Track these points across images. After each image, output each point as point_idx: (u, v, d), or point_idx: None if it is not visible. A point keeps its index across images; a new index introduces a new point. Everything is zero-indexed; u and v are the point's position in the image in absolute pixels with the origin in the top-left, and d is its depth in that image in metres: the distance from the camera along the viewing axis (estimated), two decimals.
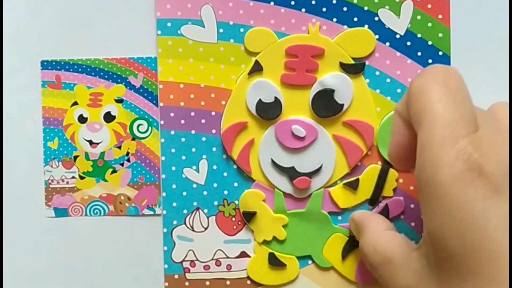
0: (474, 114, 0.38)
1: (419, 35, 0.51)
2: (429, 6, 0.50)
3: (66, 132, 0.53)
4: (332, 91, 0.50)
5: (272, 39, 0.50)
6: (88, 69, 0.52)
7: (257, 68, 0.50)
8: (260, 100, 0.50)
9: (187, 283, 0.52)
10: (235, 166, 0.51)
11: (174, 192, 0.52)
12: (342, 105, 0.50)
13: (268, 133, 0.51)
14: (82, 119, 0.53)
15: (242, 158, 0.51)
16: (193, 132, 0.51)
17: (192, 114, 0.51)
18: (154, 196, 0.53)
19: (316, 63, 0.50)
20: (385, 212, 0.51)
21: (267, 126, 0.51)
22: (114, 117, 0.53)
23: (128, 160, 0.53)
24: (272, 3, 0.50)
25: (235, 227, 0.52)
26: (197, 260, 0.52)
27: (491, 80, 0.51)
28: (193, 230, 0.52)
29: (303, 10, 0.50)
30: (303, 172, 0.51)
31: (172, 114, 0.51)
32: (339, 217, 0.52)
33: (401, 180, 0.51)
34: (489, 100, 0.51)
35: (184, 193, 0.52)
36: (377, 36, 0.51)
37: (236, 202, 0.52)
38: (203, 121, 0.51)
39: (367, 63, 0.51)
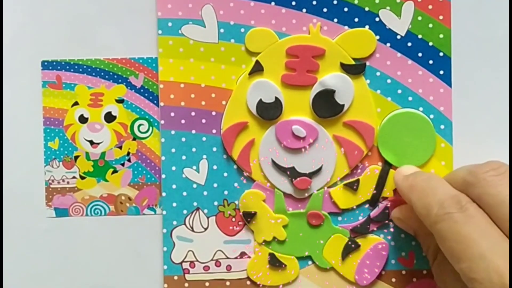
0: None
1: (420, 36, 0.51)
2: (430, 7, 0.50)
3: (67, 132, 0.53)
4: (333, 91, 0.50)
5: (272, 39, 0.50)
6: (89, 69, 0.52)
7: (257, 68, 0.50)
8: (260, 100, 0.50)
9: (186, 284, 0.52)
10: (235, 166, 0.51)
11: (174, 192, 0.52)
12: (343, 105, 0.50)
13: (268, 133, 0.51)
14: (82, 119, 0.53)
15: (242, 158, 0.51)
16: (193, 132, 0.51)
17: (193, 114, 0.51)
18: (154, 196, 0.53)
19: (316, 63, 0.50)
20: (385, 213, 0.51)
21: (268, 126, 0.51)
22: (114, 117, 0.53)
23: (129, 160, 0.53)
24: (273, 3, 0.50)
25: (235, 227, 0.52)
26: (197, 260, 0.52)
27: (492, 80, 0.51)
28: (193, 230, 0.52)
29: (304, 10, 0.50)
30: (303, 172, 0.51)
31: (172, 114, 0.51)
32: (339, 218, 0.52)
33: None
34: (490, 101, 0.51)
35: (184, 193, 0.52)
36: (377, 37, 0.51)
37: (236, 202, 0.52)
38: (203, 121, 0.51)
39: (367, 63, 0.51)
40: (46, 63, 0.52)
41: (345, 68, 0.50)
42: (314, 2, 0.50)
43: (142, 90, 0.52)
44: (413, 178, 0.47)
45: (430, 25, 0.50)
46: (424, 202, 0.45)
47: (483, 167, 0.44)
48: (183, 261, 0.52)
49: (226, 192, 0.51)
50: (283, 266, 0.52)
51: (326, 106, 0.50)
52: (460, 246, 0.41)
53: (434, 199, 0.44)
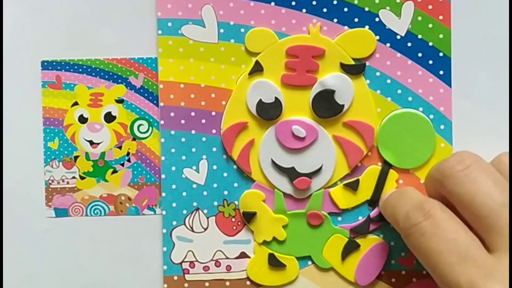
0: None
1: (419, 36, 0.51)
2: (430, 7, 0.50)
3: (67, 133, 0.53)
4: (333, 91, 0.50)
5: (272, 39, 0.50)
6: (89, 69, 0.52)
7: (257, 68, 0.50)
8: (260, 100, 0.50)
9: (186, 285, 0.52)
10: (235, 166, 0.51)
11: (174, 192, 0.52)
12: (343, 105, 0.50)
13: (268, 134, 0.51)
14: (82, 119, 0.53)
15: (242, 158, 0.51)
16: (193, 132, 0.51)
17: (193, 114, 0.51)
18: (154, 196, 0.53)
19: (316, 63, 0.50)
20: None
21: (267, 126, 0.51)
22: (114, 117, 0.53)
23: (129, 160, 0.53)
24: (272, 3, 0.50)
25: (235, 227, 0.52)
26: (197, 261, 0.52)
27: (492, 81, 0.51)
28: (192, 230, 0.52)
29: (304, 10, 0.50)
30: (303, 172, 0.51)
31: (172, 114, 0.51)
32: (339, 218, 0.52)
33: (401, 181, 0.51)
34: (490, 101, 0.51)
35: (184, 193, 0.52)
36: (377, 37, 0.51)
37: (236, 202, 0.52)
38: (203, 121, 0.51)
39: (367, 63, 0.51)
40: (45, 63, 0.52)
41: (345, 68, 0.50)
42: (314, 2, 0.50)
43: (142, 90, 0.52)
44: (386, 196, 0.48)
45: (430, 25, 0.50)
46: (394, 217, 0.45)
47: (449, 161, 0.43)
48: (183, 261, 0.52)
49: (226, 192, 0.51)
50: (283, 266, 0.52)
51: (326, 106, 0.50)
52: (430, 260, 0.41)
53: (401, 212, 0.44)
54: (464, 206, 0.41)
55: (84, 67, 0.52)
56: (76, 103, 0.53)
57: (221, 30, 0.51)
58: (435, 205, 0.43)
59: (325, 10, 0.50)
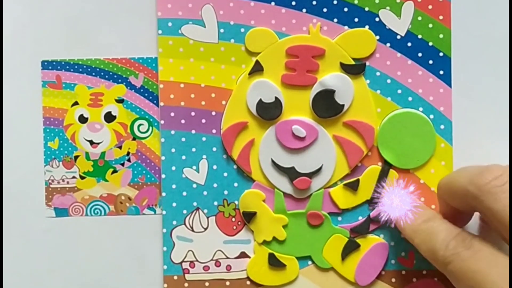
0: None
1: (419, 36, 0.51)
2: (430, 7, 0.50)
3: (67, 132, 0.53)
4: (333, 91, 0.50)
5: (272, 39, 0.50)
6: (89, 69, 0.52)
7: (257, 68, 0.50)
8: (260, 100, 0.50)
9: (186, 284, 0.52)
10: (235, 166, 0.51)
11: (174, 192, 0.52)
12: (343, 105, 0.50)
13: (268, 133, 0.51)
14: (82, 119, 0.53)
15: (242, 158, 0.51)
16: (193, 132, 0.51)
17: (193, 114, 0.51)
18: (154, 196, 0.53)
19: (316, 63, 0.50)
20: None
21: (268, 126, 0.51)
22: (114, 117, 0.53)
23: (129, 160, 0.53)
24: (273, 3, 0.50)
25: (235, 227, 0.52)
26: (197, 260, 0.52)
27: (492, 80, 0.51)
28: (192, 230, 0.52)
29: (304, 10, 0.50)
30: (303, 172, 0.51)
31: (172, 114, 0.51)
32: (339, 218, 0.52)
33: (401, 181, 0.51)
34: (490, 101, 0.51)
35: (184, 193, 0.51)
36: (377, 37, 0.51)
37: (236, 202, 0.51)
38: (203, 121, 0.51)
39: (367, 63, 0.51)
40: (46, 63, 0.52)
41: (345, 68, 0.50)
42: (314, 2, 0.50)
43: (142, 90, 0.52)
44: (414, 223, 0.47)
45: (430, 25, 0.50)
46: (429, 246, 0.45)
47: (485, 176, 0.42)
48: (183, 261, 0.52)
49: (226, 192, 0.51)
50: (283, 266, 0.52)
51: (326, 106, 0.50)
52: (472, 282, 0.41)
53: (438, 242, 0.44)
54: (501, 223, 0.41)
55: (84, 67, 0.52)
56: (76, 103, 0.53)
57: (221, 30, 0.51)
58: (474, 236, 0.44)
59: (325, 10, 0.50)
